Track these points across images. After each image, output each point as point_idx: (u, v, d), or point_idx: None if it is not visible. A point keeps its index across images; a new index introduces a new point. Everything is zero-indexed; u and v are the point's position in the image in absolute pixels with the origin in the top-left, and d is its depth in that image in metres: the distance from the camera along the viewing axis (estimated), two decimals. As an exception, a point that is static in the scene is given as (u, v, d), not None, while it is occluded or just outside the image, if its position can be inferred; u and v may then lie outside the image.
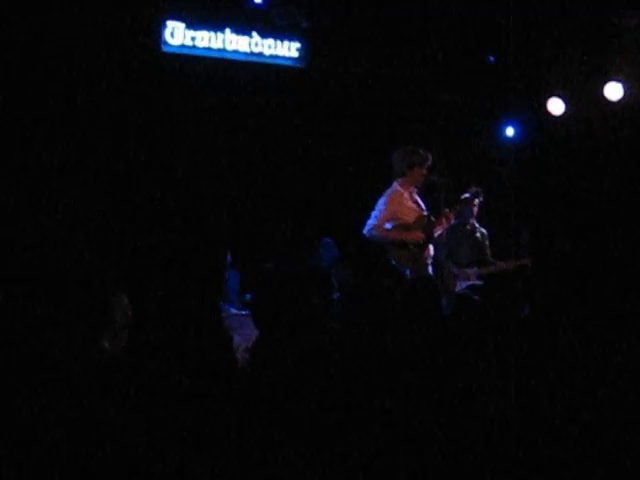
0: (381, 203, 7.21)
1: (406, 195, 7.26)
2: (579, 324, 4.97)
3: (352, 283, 8.43)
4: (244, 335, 4.66)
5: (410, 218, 7.19)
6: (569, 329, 4.76)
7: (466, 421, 3.70)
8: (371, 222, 7.19)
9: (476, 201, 7.98)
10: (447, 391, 3.80)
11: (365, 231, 7.21)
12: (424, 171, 7.23)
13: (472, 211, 8.14)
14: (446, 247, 7.69)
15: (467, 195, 7.85)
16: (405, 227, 7.15)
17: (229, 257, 8.46)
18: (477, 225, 8.36)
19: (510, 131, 10.14)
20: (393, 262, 7.14)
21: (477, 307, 4.73)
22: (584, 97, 9.48)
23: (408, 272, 6.99)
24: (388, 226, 7.15)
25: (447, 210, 7.31)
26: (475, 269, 8.16)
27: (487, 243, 8.43)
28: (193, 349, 3.66)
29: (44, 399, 3.21)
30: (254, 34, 9.32)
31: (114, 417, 3.23)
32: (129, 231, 8.17)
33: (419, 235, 7.14)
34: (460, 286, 7.89)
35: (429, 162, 7.24)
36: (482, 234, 8.40)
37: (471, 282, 8.00)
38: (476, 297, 4.88)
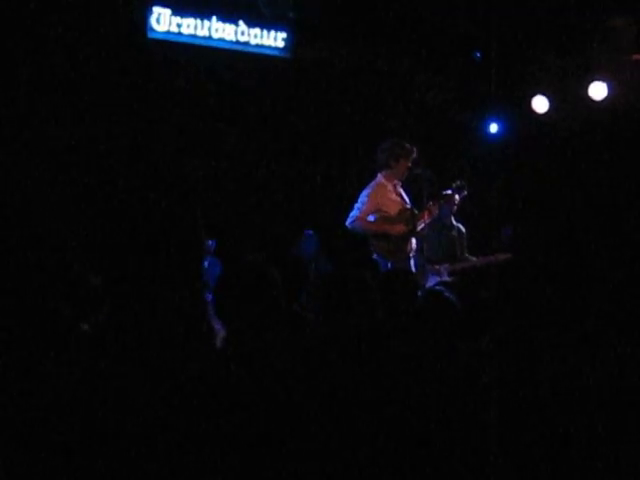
0: (364, 195, 7.18)
1: (390, 187, 7.23)
2: (556, 320, 5.00)
3: (330, 273, 8.45)
4: (219, 327, 4.64)
5: (393, 211, 7.16)
6: (546, 324, 4.78)
7: (436, 413, 3.71)
8: (354, 214, 7.16)
9: (456, 197, 7.94)
10: (418, 384, 3.80)
11: (348, 223, 7.18)
12: (409, 164, 7.21)
13: (451, 207, 8.11)
14: (423, 242, 7.63)
15: (449, 190, 7.83)
16: (388, 220, 7.12)
17: (213, 244, 8.47)
18: (454, 221, 8.33)
19: (494, 127, 10.16)
20: (375, 254, 7.13)
21: (447, 302, 4.72)
22: (568, 96, 9.52)
23: (390, 265, 6.99)
24: (371, 218, 7.13)
25: (431, 204, 7.29)
26: (447, 265, 8.13)
27: (464, 240, 8.39)
28: (173, 336, 3.63)
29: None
30: (241, 23, 9.29)
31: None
32: (109, 215, 8.11)
33: (402, 228, 7.12)
34: (431, 281, 7.87)
35: (414, 155, 7.22)
36: (459, 230, 8.36)
37: (441, 278, 7.99)
38: (447, 293, 4.88)
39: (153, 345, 3.53)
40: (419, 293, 5.08)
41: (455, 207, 8.10)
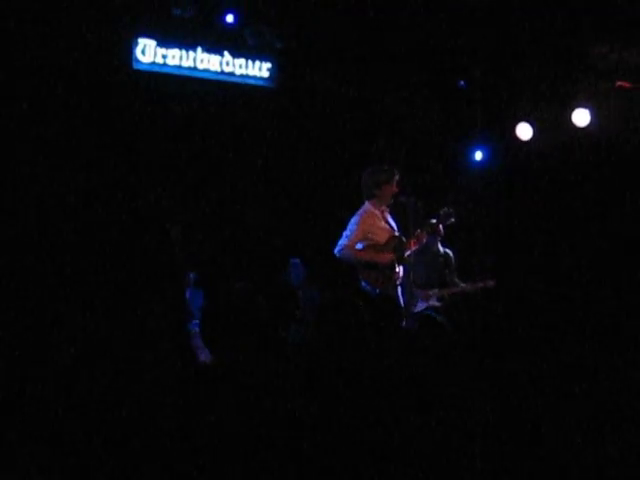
0: (353, 223, 7.16)
1: (378, 214, 7.22)
2: (541, 341, 5.02)
3: (319, 302, 8.44)
4: (207, 355, 4.62)
5: (382, 238, 7.15)
6: (532, 346, 4.79)
7: (429, 434, 3.71)
8: (342, 242, 7.14)
9: (440, 226, 7.93)
10: (407, 409, 3.80)
11: (336, 251, 7.16)
12: (393, 187, 7.20)
13: (438, 234, 8.11)
14: (410, 268, 7.62)
15: (435, 219, 7.82)
16: (376, 248, 7.11)
17: (194, 276, 8.45)
18: (441, 247, 8.34)
19: (479, 155, 10.21)
20: (363, 282, 7.11)
21: (439, 326, 4.74)
22: (552, 123, 9.58)
23: (378, 292, 6.96)
24: (359, 246, 7.11)
25: (418, 231, 7.28)
26: (435, 290, 8.14)
27: (452, 265, 8.40)
28: (155, 367, 3.62)
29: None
30: (225, 53, 9.33)
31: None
32: (94, 248, 8.08)
33: (390, 256, 7.10)
34: (419, 307, 7.87)
35: (397, 177, 7.21)
36: (446, 256, 8.37)
37: (430, 303, 7.99)
38: (439, 317, 4.90)
39: (136, 371, 3.52)
40: (406, 319, 5.09)
41: (442, 234, 8.10)
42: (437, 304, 8.00)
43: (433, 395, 3.86)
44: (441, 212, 7.72)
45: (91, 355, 3.70)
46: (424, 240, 7.41)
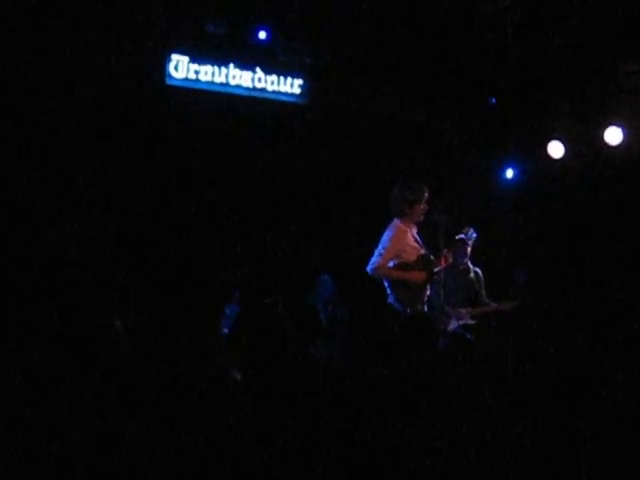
0: (385, 240, 7.07)
1: (409, 233, 7.18)
2: (572, 361, 4.99)
3: (350, 320, 8.45)
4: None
5: (412, 257, 7.09)
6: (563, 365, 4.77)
7: (459, 451, 3.69)
8: (375, 260, 7.06)
9: (469, 241, 7.91)
10: (439, 426, 3.79)
11: (369, 269, 7.09)
12: (424, 206, 7.14)
13: (466, 251, 8.10)
14: (440, 287, 7.59)
15: (462, 236, 7.79)
16: (406, 266, 7.05)
17: (236, 291, 8.52)
18: (471, 265, 8.32)
19: (510, 173, 10.17)
20: (392, 300, 7.08)
21: (469, 345, 4.73)
22: (584, 141, 9.54)
23: (408, 311, 6.93)
24: (391, 264, 7.07)
25: (446, 250, 7.23)
26: (469, 309, 8.13)
27: (482, 283, 8.37)
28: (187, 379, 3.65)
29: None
30: (257, 70, 9.40)
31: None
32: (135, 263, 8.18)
33: (420, 275, 7.05)
34: (453, 325, 7.86)
35: (427, 195, 7.14)
36: (476, 274, 8.34)
37: (464, 322, 7.98)
38: (469, 335, 4.91)
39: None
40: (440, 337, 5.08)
41: (469, 250, 8.08)
42: (470, 322, 7.99)
43: (458, 414, 3.85)
44: (463, 231, 7.69)
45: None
46: (450, 260, 7.36)
